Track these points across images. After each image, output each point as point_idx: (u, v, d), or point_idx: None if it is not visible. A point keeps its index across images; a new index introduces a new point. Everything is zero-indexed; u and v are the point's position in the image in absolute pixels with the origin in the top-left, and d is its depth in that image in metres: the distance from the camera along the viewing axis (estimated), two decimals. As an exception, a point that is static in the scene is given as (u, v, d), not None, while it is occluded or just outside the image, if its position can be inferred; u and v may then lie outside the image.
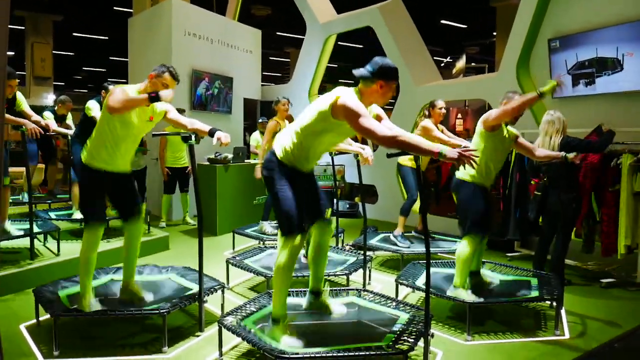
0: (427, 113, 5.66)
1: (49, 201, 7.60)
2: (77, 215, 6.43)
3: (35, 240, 5.05)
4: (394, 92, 3.10)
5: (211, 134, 3.66)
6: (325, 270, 3.55)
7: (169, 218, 8.06)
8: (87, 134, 3.92)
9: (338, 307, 3.53)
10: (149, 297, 3.83)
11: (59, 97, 7.31)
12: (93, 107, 5.82)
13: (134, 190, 3.93)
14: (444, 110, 5.65)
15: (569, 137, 4.52)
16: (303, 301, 3.57)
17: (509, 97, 4.13)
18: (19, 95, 5.22)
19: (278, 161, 3.14)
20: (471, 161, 2.83)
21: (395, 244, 5.78)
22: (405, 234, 5.91)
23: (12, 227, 5.22)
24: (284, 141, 3.16)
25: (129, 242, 3.89)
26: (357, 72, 3.03)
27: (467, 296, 3.92)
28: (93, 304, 3.61)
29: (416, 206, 5.88)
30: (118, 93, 3.44)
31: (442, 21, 16.33)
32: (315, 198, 3.34)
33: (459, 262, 4.04)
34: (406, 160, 5.78)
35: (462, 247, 4.02)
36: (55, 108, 7.15)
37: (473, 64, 18.45)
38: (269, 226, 6.39)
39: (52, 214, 6.59)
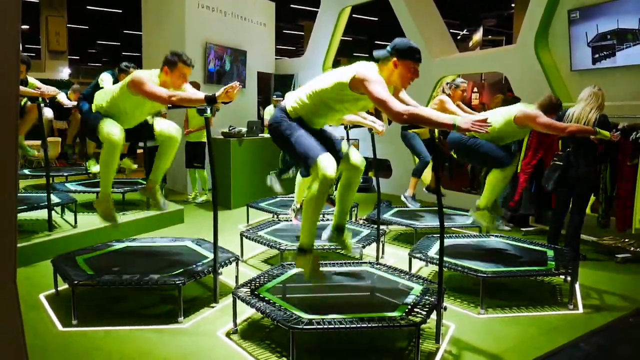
0: (446, 92, 5.61)
1: (65, 174, 7.69)
2: (94, 168, 6.48)
3: (53, 212, 5.12)
4: (413, 74, 2.99)
5: (209, 100, 3.49)
6: (351, 206, 3.59)
7: (183, 192, 8.10)
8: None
9: (356, 249, 3.57)
10: (165, 206, 4.03)
11: (73, 86, 7.54)
12: (105, 80, 5.88)
13: (148, 125, 4.08)
14: (465, 93, 5.63)
15: (606, 118, 4.45)
16: (323, 236, 3.60)
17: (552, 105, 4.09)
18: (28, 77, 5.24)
19: (287, 115, 3.14)
20: (484, 129, 2.83)
21: (405, 205, 5.90)
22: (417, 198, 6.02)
23: None
24: (293, 99, 3.16)
25: (162, 150, 4.08)
26: (376, 52, 3.02)
27: (483, 220, 4.01)
28: (111, 207, 3.87)
29: (426, 178, 5.90)
30: (155, 87, 3.49)
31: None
32: (329, 140, 3.28)
33: (486, 185, 4.25)
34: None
35: (490, 175, 4.21)
36: (68, 93, 7.46)
37: (490, 36, 18.11)
38: (276, 183, 6.39)
39: (69, 186, 6.66)
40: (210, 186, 5.40)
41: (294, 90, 10.13)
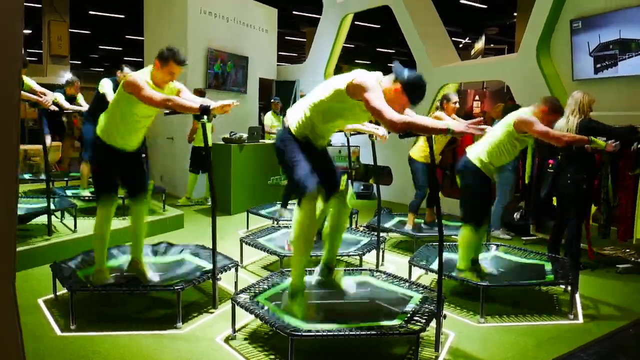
0: (439, 106, 5.60)
1: (66, 178, 7.69)
2: (84, 193, 6.47)
3: (53, 217, 5.11)
4: (400, 108, 2.97)
5: (203, 110, 3.42)
6: (339, 248, 3.55)
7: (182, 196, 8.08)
8: (99, 111, 3.98)
9: (349, 284, 3.54)
10: (154, 278, 3.82)
11: (67, 78, 7.32)
12: (105, 85, 5.88)
13: (143, 168, 3.99)
14: (457, 105, 5.58)
15: (592, 120, 4.42)
16: (312, 278, 3.54)
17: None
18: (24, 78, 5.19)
19: (292, 135, 3.14)
20: (479, 129, 2.83)
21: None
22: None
23: None
24: (296, 116, 3.15)
25: (135, 221, 3.91)
26: (397, 67, 2.98)
27: (475, 278, 3.94)
28: (108, 278, 3.69)
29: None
30: (150, 91, 3.44)
31: (461, 0, 16.04)
32: (330, 170, 3.30)
33: (460, 247, 4.15)
34: (418, 155, 5.69)
35: (462, 233, 4.11)
36: (65, 89, 7.13)
37: (492, 45, 18.14)
38: (284, 212, 6.37)
39: (69, 192, 6.66)
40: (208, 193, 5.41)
41: (294, 96, 10.18)
